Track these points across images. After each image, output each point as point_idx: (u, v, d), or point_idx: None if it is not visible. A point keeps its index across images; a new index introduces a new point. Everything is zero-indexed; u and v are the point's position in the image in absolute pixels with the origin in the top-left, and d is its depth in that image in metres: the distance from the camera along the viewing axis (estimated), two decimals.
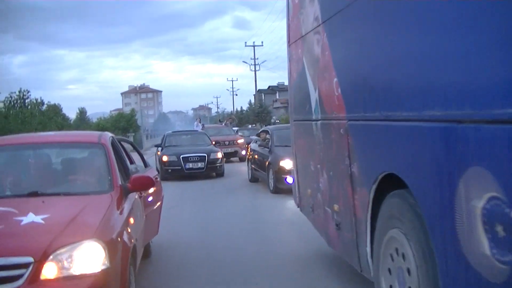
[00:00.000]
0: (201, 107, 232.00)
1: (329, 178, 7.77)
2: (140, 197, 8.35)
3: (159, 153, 26.78)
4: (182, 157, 24.87)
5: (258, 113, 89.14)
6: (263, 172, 20.23)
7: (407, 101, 4.91)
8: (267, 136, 21.09)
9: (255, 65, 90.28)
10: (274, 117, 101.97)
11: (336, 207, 7.47)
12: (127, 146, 10.95)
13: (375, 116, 5.71)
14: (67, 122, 72.11)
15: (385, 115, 5.46)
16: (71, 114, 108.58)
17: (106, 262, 5.61)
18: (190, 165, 24.87)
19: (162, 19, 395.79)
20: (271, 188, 18.98)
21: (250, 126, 65.89)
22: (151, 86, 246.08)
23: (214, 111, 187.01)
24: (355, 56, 6.47)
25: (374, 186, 5.85)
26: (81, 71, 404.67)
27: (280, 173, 18.08)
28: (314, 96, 8.35)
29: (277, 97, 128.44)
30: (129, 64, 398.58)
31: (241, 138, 36.91)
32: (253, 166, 22.40)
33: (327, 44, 7.38)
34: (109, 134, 8.80)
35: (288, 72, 10.62)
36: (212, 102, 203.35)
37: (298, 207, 10.70)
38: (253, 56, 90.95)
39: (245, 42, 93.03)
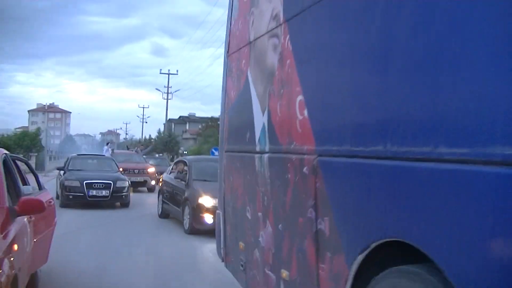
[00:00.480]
0: (110, 132, 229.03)
1: (277, 232, 5.77)
2: (29, 221, 7.70)
3: (61, 177, 24.63)
4: (85, 183, 22.86)
5: (167, 143, 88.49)
6: (177, 208, 18.28)
7: (431, 128, 3.18)
8: (185, 167, 19.11)
9: (167, 93, 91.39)
10: (182, 148, 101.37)
11: (285, 273, 5.48)
12: (24, 167, 10.58)
13: (371, 151, 3.81)
14: None
15: (391, 151, 3.55)
16: None
17: None
18: (94, 192, 22.93)
19: (79, 39, 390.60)
20: (186, 228, 16.99)
21: (157, 155, 64.24)
22: (60, 106, 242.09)
23: (122, 137, 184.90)
24: (334, 63, 4.59)
25: (360, 257, 3.92)
26: None
27: (199, 211, 16.26)
28: (260, 120, 6.36)
29: (187, 127, 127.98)
30: (40, 82, 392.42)
31: (151, 167, 35.29)
32: (164, 199, 20.34)
33: (290, 50, 5.40)
34: (1, 151, 8.20)
35: (222, 90, 8.59)
36: (121, 128, 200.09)
37: (222, 261, 8.59)
38: (167, 84, 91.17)
39: (160, 69, 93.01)
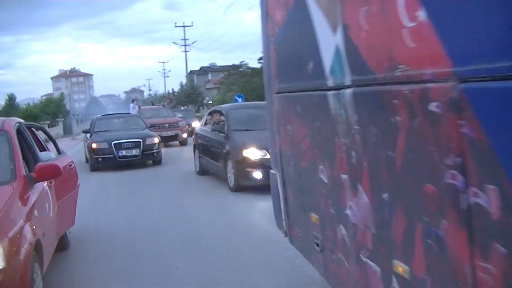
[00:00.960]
0: (133, 90, 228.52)
1: (380, 204, 3.88)
2: (50, 187, 7.97)
3: (87, 140, 23.58)
4: (114, 144, 21.82)
5: (190, 94, 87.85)
6: (217, 164, 16.46)
7: None
8: (221, 118, 17.03)
9: (185, 45, 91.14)
10: (206, 98, 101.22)
11: (401, 268, 3.64)
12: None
13: None
14: None
15: None
16: (1, 100, 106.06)
17: (1, 261, 5.21)
18: (124, 152, 21.95)
19: (91, 2, 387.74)
20: (231, 185, 15.15)
21: (182, 108, 63.26)
22: (81, 70, 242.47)
23: (146, 93, 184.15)
24: None
25: None
26: (9, 56, 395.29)
27: (244, 165, 14.37)
28: (330, 42, 4.44)
29: (209, 78, 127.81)
30: (58, 48, 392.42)
31: (181, 120, 34.54)
32: (201, 155, 18.43)
33: None
34: (15, 120, 8.46)
35: (262, 14, 6.57)
36: (144, 85, 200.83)
37: (285, 235, 6.94)
38: (184, 37, 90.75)
39: (175, 23, 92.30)
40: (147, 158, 22.74)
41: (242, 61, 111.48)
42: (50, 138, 11.03)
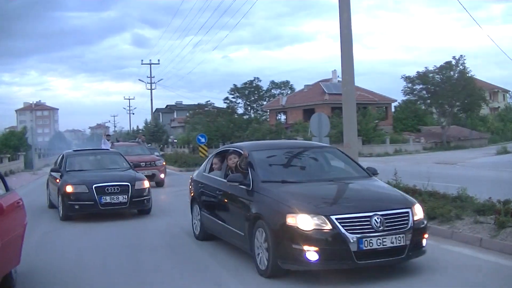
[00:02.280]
0: (99, 126, 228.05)
1: None
2: None
3: (57, 180, 19.25)
4: (95, 188, 17.62)
5: (154, 133, 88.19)
6: (236, 231, 11.38)
7: None
8: (240, 163, 11.97)
9: (151, 83, 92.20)
10: (171, 137, 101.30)
11: None
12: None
13: None
14: None
15: None
16: None
17: None
18: (107, 198, 17.67)
19: (59, 35, 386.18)
20: (262, 267, 10.06)
21: (147, 145, 63.65)
22: (47, 104, 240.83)
23: (111, 130, 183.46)
24: None
25: None
26: None
27: (288, 238, 9.46)
28: None
29: (175, 116, 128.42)
30: (24, 80, 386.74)
31: (159, 159, 33.16)
32: (205, 212, 13.37)
33: None
34: None
35: None
36: (109, 121, 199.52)
37: None
38: (150, 74, 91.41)
39: (142, 60, 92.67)
40: (136, 206, 18.54)
41: (208, 101, 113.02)
42: None
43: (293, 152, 12.72)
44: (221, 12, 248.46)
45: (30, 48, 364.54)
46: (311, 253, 9.14)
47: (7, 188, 10.01)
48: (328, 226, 9.18)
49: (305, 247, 9.16)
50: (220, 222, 12.32)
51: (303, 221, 9.30)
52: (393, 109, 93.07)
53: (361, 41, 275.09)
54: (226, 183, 11.78)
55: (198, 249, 12.93)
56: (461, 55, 78.35)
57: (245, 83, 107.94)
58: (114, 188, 17.86)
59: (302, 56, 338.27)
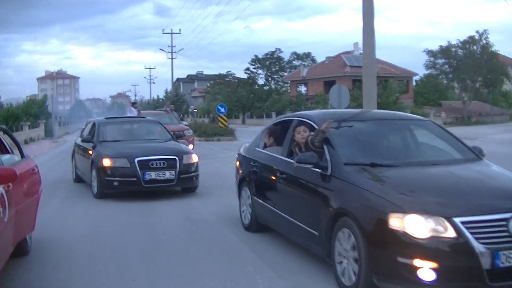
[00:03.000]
0: (119, 95, 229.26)
1: None
2: (7, 191, 7.48)
3: (90, 152, 16.89)
4: (138, 162, 15.35)
5: (174, 102, 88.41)
6: (306, 227, 8.77)
7: None
8: (313, 138, 8.96)
9: (172, 52, 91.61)
10: (191, 107, 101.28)
11: None
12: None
13: None
14: None
15: None
16: None
17: None
18: (152, 175, 15.36)
19: (81, 4, 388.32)
20: (344, 278, 7.60)
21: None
22: (68, 72, 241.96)
23: (132, 99, 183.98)
24: None
25: None
26: None
27: (393, 249, 6.84)
28: None
29: (196, 86, 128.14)
30: (46, 49, 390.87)
31: (188, 128, 31.15)
32: (260, 198, 10.79)
33: None
34: None
35: None
36: (130, 90, 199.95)
37: None
38: (171, 44, 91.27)
39: (163, 29, 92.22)
40: (183, 184, 16.27)
41: (229, 71, 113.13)
42: (14, 141, 10.64)
43: (379, 125, 10.08)
44: None
45: (52, 17, 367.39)
46: (426, 271, 6.54)
47: (22, 155, 10.10)
48: (451, 233, 6.56)
49: (417, 262, 6.57)
50: (280, 213, 9.75)
51: (415, 225, 6.67)
52: (414, 83, 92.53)
53: (384, 14, 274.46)
54: (292, 164, 9.10)
55: (257, 239, 10.67)
56: (484, 30, 77.32)
57: (267, 54, 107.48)
58: (160, 163, 15.52)
59: (324, 28, 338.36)
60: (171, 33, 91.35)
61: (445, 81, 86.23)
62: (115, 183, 15.49)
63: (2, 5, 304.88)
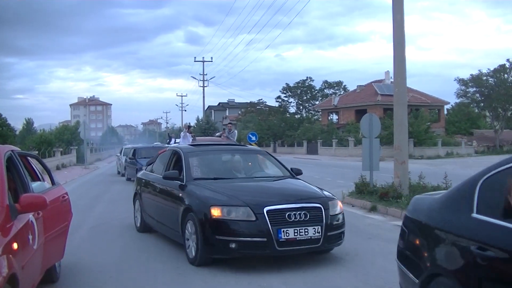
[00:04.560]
0: (151, 122, 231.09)
1: None
2: (37, 218, 7.67)
3: (180, 195, 11.97)
4: (267, 213, 10.39)
5: (205, 130, 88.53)
6: None
7: None
8: None
9: (203, 80, 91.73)
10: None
11: None
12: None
13: None
14: (12, 132, 70.84)
15: None
16: (18, 124, 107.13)
17: None
18: (290, 232, 10.34)
19: (115, 32, 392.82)
20: None
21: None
22: (101, 99, 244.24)
23: (163, 126, 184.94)
24: None
25: None
26: (30, 81, 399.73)
27: None
28: None
29: (227, 113, 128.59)
30: (80, 76, 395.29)
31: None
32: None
33: None
34: (7, 148, 8.23)
35: None
36: (161, 117, 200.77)
37: None
38: (203, 71, 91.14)
39: (195, 57, 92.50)
40: (330, 244, 11.11)
41: (260, 99, 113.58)
42: (45, 168, 10.63)
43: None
44: (274, 11, 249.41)
45: (86, 44, 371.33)
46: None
47: (53, 182, 10.12)
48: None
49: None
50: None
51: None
52: (445, 112, 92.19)
53: (415, 42, 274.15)
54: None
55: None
56: None
57: (298, 82, 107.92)
58: (299, 214, 10.44)
59: (355, 57, 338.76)
60: (203, 61, 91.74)
61: (476, 110, 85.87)
62: (233, 245, 10.35)
63: (36, 32, 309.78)
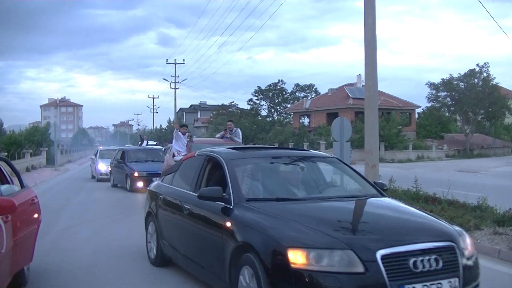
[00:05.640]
0: (122, 124, 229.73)
1: None
2: (6, 222, 7.50)
3: (228, 224, 7.88)
4: (382, 259, 6.38)
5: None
6: None
7: None
8: None
9: (175, 82, 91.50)
10: (194, 137, 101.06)
11: None
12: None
13: None
14: None
15: None
16: None
17: None
18: None
19: (86, 32, 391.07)
20: None
21: (168, 144, 63.46)
22: (72, 100, 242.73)
23: (135, 128, 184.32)
24: None
25: None
26: (0, 81, 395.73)
27: None
28: None
29: (199, 116, 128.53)
30: (50, 76, 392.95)
31: None
32: None
33: None
34: None
35: None
36: (133, 119, 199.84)
37: None
38: (174, 73, 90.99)
39: (167, 59, 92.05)
40: None
41: (232, 102, 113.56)
42: (14, 171, 10.30)
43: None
44: (247, 13, 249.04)
45: (57, 45, 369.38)
46: None
47: (22, 185, 9.98)
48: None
49: None
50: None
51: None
52: (416, 115, 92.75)
53: (386, 46, 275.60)
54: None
55: None
56: (485, 63, 78.32)
57: (270, 85, 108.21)
58: (429, 260, 6.62)
59: (327, 60, 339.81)
60: (175, 63, 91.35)
61: (447, 114, 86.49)
62: None
63: (4, 30, 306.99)
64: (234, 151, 10.15)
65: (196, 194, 8.84)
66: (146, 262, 11.24)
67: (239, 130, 24.40)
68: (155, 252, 10.99)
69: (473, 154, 76.90)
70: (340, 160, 10.46)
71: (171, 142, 24.46)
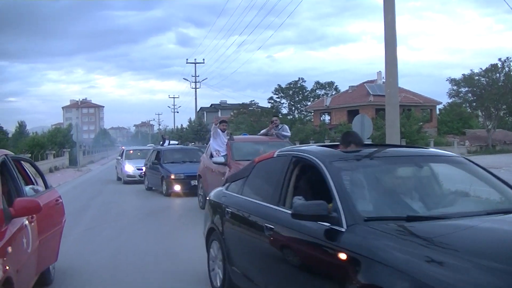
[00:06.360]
0: (143, 124, 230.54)
1: None
2: (31, 222, 7.71)
3: (343, 256, 5.27)
4: None
5: (197, 131, 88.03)
6: None
7: None
8: None
9: (195, 82, 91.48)
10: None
11: None
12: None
13: None
14: (4, 136, 70.76)
15: None
16: (11, 127, 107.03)
17: None
18: None
19: (106, 34, 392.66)
20: None
21: (190, 144, 63.54)
22: (93, 101, 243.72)
23: (156, 128, 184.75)
24: None
25: None
26: (22, 83, 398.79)
27: None
28: None
29: (219, 115, 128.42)
30: (71, 78, 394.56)
31: None
32: None
33: None
34: (0, 152, 8.15)
35: None
36: (154, 119, 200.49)
37: None
38: (194, 73, 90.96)
39: (187, 59, 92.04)
40: None
41: (252, 100, 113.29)
42: (38, 172, 10.56)
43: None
44: (266, 12, 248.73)
45: (77, 47, 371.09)
46: None
47: (46, 186, 10.08)
48: None
49: None
50: None
51: None
52: (437, 112, 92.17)
53: (406, 42, 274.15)
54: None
55: None
56: (507, 57, 76.85)
57: (290, 83, 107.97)
58: None
59: (347, 57, 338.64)
60: (195, 63, 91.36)
61: (468, 110, 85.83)
62: None
63: (25, 35, 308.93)
64: (333, 150, 7.44)
65: (282, 209, 6.83)
66: None
67: (287, 126, 21.07)
68: (221, 280, 8.60)
69: (496, 150, 76.08)
70: (469, 160, 7.68)
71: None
